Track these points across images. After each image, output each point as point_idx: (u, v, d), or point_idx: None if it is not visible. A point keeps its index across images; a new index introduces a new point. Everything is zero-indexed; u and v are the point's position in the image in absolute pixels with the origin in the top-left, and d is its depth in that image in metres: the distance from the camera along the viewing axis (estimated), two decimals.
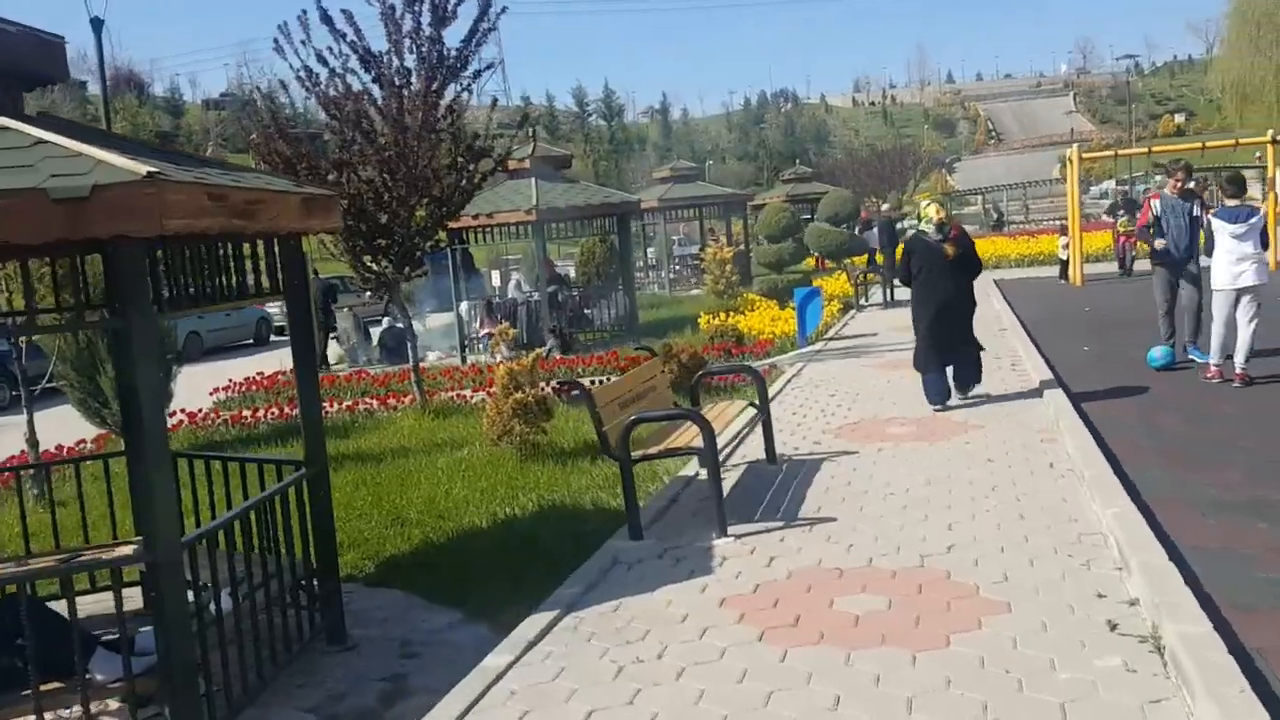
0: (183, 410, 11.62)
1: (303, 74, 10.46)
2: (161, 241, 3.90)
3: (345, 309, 19.14)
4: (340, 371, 16.29)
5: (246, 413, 11.98)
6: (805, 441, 8.25)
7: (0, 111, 3.78)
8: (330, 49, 10.39)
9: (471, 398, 11.82)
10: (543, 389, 9.04)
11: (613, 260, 21.62)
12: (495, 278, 25.35)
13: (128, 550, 5.04)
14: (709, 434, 5.94)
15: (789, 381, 11.38)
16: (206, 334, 23.35)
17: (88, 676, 3.78)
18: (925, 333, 9.04)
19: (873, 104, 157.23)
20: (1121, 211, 21.23)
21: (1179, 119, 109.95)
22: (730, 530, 5.84)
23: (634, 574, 5.37)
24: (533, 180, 16.63)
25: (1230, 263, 8.74)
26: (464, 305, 17.08)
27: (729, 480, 7.04)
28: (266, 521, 4.66)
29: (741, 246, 27.56)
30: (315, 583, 4.96)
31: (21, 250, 4.60)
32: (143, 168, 3.35)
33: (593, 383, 11.25)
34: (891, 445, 7.84)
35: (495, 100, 12.37)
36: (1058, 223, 38.34)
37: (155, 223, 3.35)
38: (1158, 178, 46.77)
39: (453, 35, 10.52)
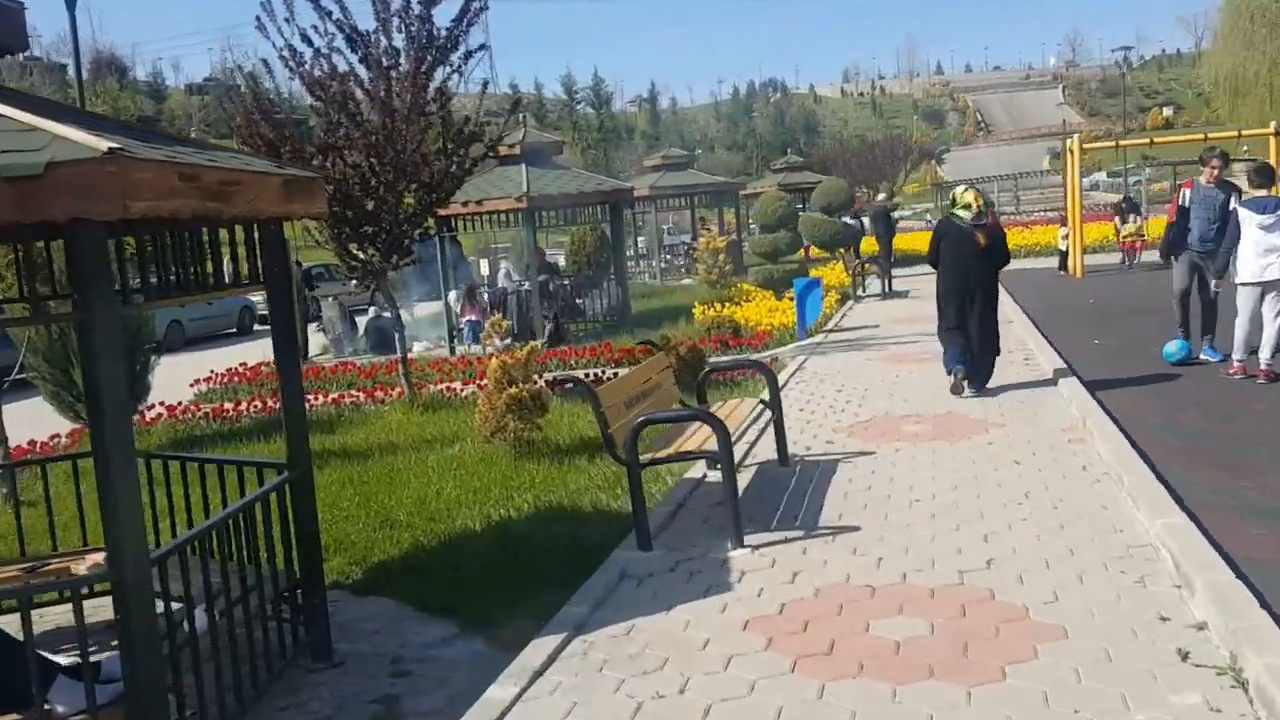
0: (162, 403, 11.26)
1: (286, 53, 9.97)
2: (128, 226, 3.52)
3: (330, 298, 18.72)
4: (325, 362, 15.87)
5: (228, 405, 11.53)
6: (817, 441, 7.88)
7: None
8: (315, 27, 9.90)
9: (461, 391, 11.45)
10: (536, 382, 8.64)
11: (604, 249, 21.23)
12: (484, 266, 24.97)
13: (97, 558, 4.68)
14: (724, 437, 5.50)
15: (792, 375, 11.01)
16: (188, 323, 22.93)
17: (46, 708, 3.42)
18: (951, 321, 9.06)
19: (862, 95, 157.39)
20: (1132, 216, 20.91)
21: (1167, 112, 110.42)
22: (746, 540, 5.43)
23: (645, 590, 4.97)
24: (523, 167, 16.14)
25: (1257, 255, 8.37)
26: (452, 295, 16.66)
27: (739, 484, 6.60)
28: (246, 530, 4.28)
29: (734, 236, 27.27)
30: (299, 595, 4.58)
31: None
32: (104, 143, 2.95)
33: (588, 375, 10.90)
34: (909, 445, 7.46)
35: (486, 83, 11.90)
36: (1049, 214, 38.17)
37: (118, 204, 2.96)
38: (1148, 170, 46.62)
39: (443, 16, 10.11)
